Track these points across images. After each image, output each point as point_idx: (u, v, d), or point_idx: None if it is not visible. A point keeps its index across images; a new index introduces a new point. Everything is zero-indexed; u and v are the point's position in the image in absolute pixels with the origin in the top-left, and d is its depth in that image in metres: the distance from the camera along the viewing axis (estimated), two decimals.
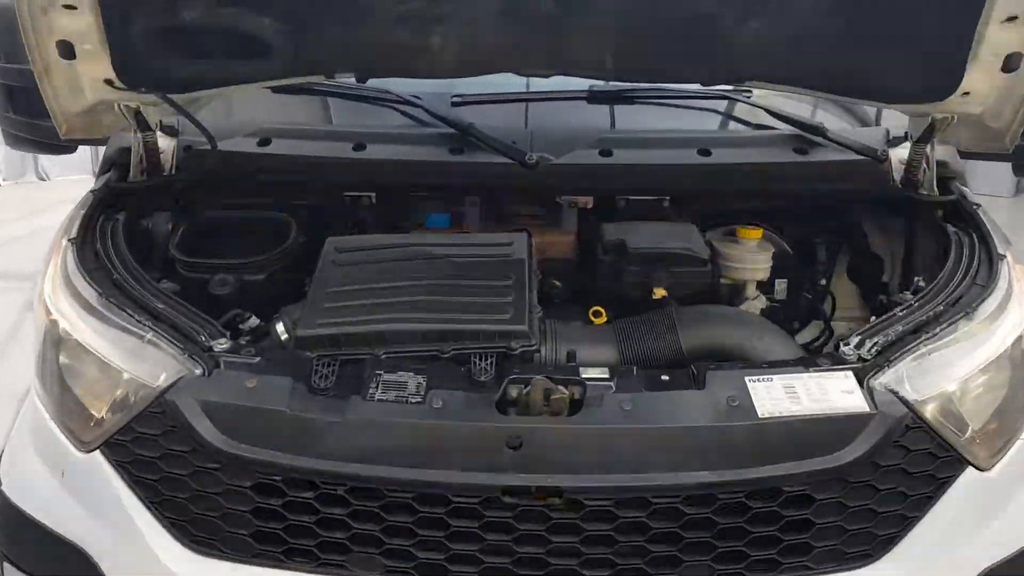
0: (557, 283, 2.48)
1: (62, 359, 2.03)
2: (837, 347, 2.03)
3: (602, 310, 2.31)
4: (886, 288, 2.75)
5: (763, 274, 2.45)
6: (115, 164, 2.63)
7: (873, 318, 2.09)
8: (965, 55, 2.15)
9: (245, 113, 2.95)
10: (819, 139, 2.62)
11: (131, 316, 1.99)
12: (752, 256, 2.43)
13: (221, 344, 1.99)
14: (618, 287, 2.33)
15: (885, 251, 2.76)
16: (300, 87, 2.62)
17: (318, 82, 2.53)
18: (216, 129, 2.70)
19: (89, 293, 2.07)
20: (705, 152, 2.55)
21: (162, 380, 1.91)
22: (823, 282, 2.74)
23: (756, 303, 2.45)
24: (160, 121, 2.67)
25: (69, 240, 2.24)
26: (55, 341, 2.05)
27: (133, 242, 2.48)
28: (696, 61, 2.24)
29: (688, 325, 2.15)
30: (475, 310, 2.05)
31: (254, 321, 2.21)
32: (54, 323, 2.06)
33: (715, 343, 2.12)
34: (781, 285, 2.62)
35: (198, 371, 1.92)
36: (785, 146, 2.61)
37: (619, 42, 2.12)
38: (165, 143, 2.70)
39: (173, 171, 2.64)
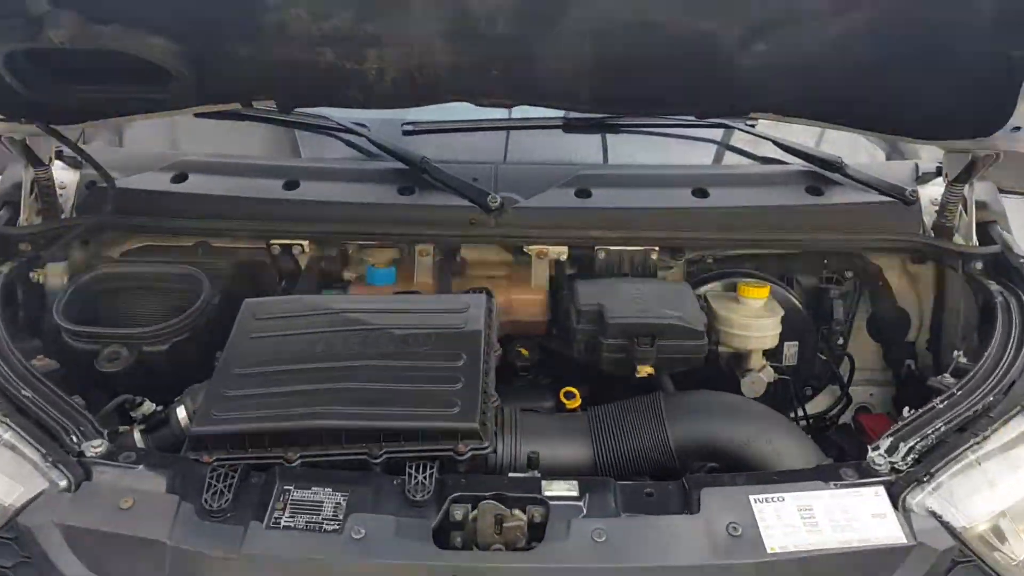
0: (524, 351, 2.09)
1: None
2: (860, 447, 1.66)
3: (575, 391, 1.92)
4: (913, 349, 2.38)
5: (771, 342, 2.07)
6: (7, 203, 2.25)
7: (907, 412, 1.70)
8: (1018, 84, 1.76)
9: (191, 141, 2.56)
10: (836, 176, 2.24)
11: None
12: (757, 322, 2.04)
13: (95, 447, 1.60)
14: (596, 362, 1.94)
15: (912, 304, 2.38)
16: (222, 112, 2.22)
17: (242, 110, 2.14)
18: (129, 162, 2.32)
19: None
20: (701, 193, 2.17)
21: (16, 497, 1.53)
22: (840, 341, 2.35)
23: (762, 376, 2.07)
24: (60, 152, 2.28)
25: None
26: None
27: (16, 301, 2.10)
28: (692, 91, 1.85)
29: (679, 417, 1.76)
30: (416, 401, 1.66)
31: (148, 407, 1.82)
32: None
33: (712, 441, 1.74)
34: (791, 349, 2.23)
35: (63, 484, 1.54)
36: (796, 185, 2.23)
37: (596, 69, 1.74)
38: (68, 177, 2.33)
39: (72, 213, 2.26)
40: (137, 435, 1.82)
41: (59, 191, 2.28)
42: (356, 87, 1.79)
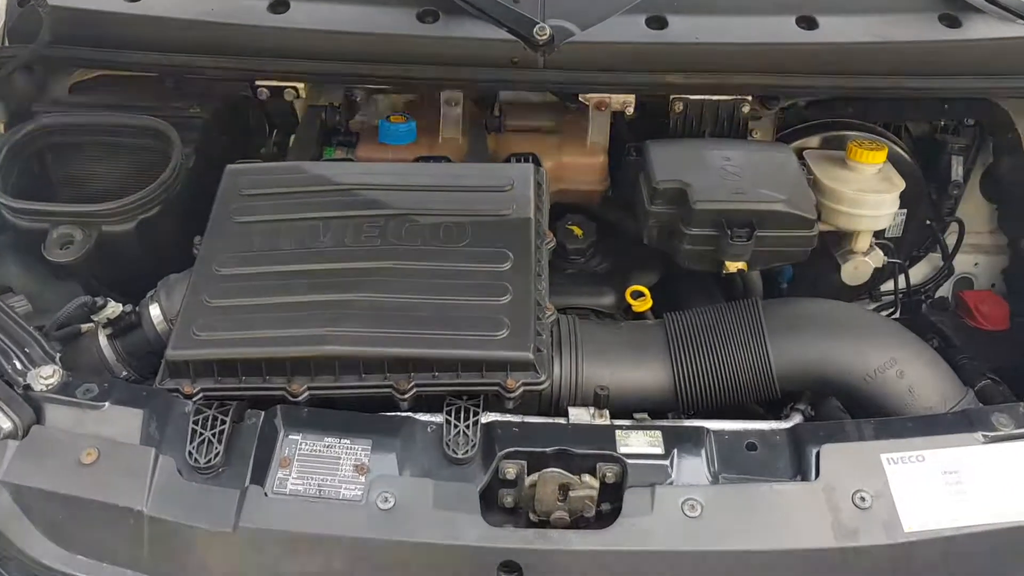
0: (577, 230, 1.71)
1: None
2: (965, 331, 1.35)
3: (645, 291, 1.56)
4: None
5: (885, 222, 1.68)
6: None
7: None
8: None
9: None
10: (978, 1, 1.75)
11: None
12: (873, 197, 1.63)
13: (44, 377, 1.27)
14: (672, 252, 1.56)
15: None
16: None
17: None
18: None
19: None
20: (808, 22, 1.68)
21: None
22: (952, 203, 1.96)
23: (868, 260, 1.70)
24: None
25: None
26: None
27: None
28: None
29: (781, 331, 1.41)
30: (452, 318, 1.31)
31: (113, 308, 1.48)
32: None
33: (823, 366, 1.39)
34: (898, 219, 1.85)
35: (6, 427, 1.22)
36: (928, 11, 1.74)
37: None
38: None
39: (4, 36, 1.79)
40: (103, 341, 1.49)
41: None
42: None
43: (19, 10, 1.79)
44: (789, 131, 1.83)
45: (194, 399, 1.27)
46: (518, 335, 1.29)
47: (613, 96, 1.69)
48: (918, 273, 2.10)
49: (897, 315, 1.98)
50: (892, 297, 2.00)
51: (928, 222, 1.98)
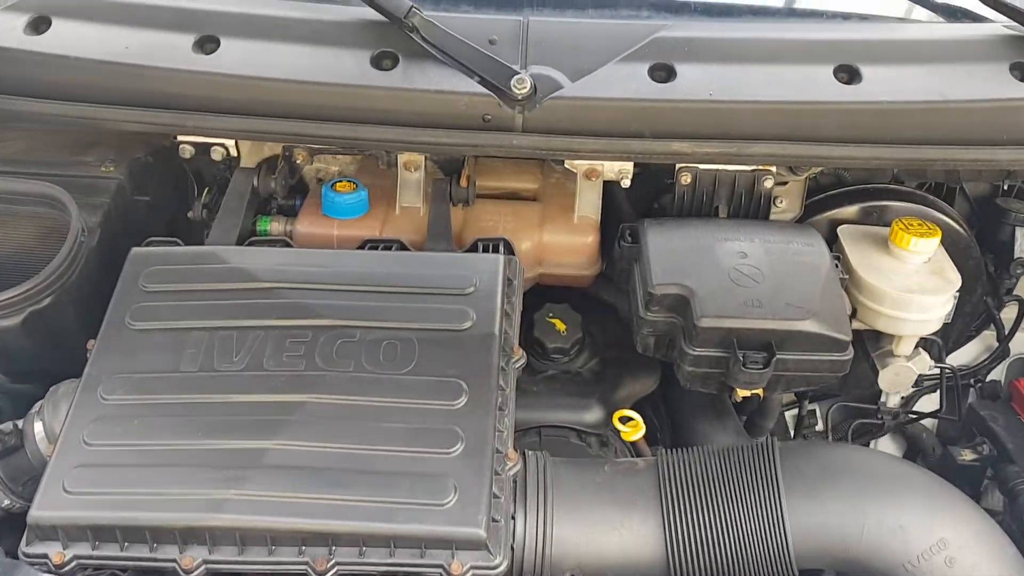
0: (559, 324, 1.43)
1: None
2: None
3: (635, 417, 1.29)
4: None
5: (934, 326, 1.39)
6: None
7: None
8: None
9: None
10: None
11: None
12: (922, 299, 1.34)
13: None
14: (674, 368, 1.29)
15: None
16: None
17: None
18: None
19: None
20: (850, 73, 1.38)
21: None
22: (1013, 281, 1.67)
23: (911, 367, 1.42)
24: None
25: None
26: None
27: None
28: None
29: (805, 492, 1.13)
30: (387, 476, 1.05)
31: None
32: None
33: (857, 550, 1.11)
34: (951, 303, 1.57)
35: None
36: (997, 60, 1.43)
37: None
38: None
39: None
40: None
41: None
42: None
43: None
44: (821, 197, 1.54)
45: (64, 570, 1.03)
46: (468, 503, 1.03)
47: (606, 163, 1.40)
48: (968, 353, 1.82)
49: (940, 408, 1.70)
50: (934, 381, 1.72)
51: (987, 299, 1.69)
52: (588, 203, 1.45)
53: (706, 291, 1.22)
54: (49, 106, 1.42)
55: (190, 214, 1.52)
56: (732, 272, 1.25)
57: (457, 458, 1.06)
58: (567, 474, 1.17)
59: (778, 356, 1.19)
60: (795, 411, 1.77)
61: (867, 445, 1.79)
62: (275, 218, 1.46)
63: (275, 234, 1.44)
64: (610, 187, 1.48)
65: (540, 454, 1.17)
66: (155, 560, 1.04)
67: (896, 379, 1.43)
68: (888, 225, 1.46)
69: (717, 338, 1.20)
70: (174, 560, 1.03)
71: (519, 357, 1.20)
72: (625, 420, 1.29)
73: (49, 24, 1.46)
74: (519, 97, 1.34)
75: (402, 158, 1.44)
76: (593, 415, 1.36)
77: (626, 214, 1.52)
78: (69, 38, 1.44)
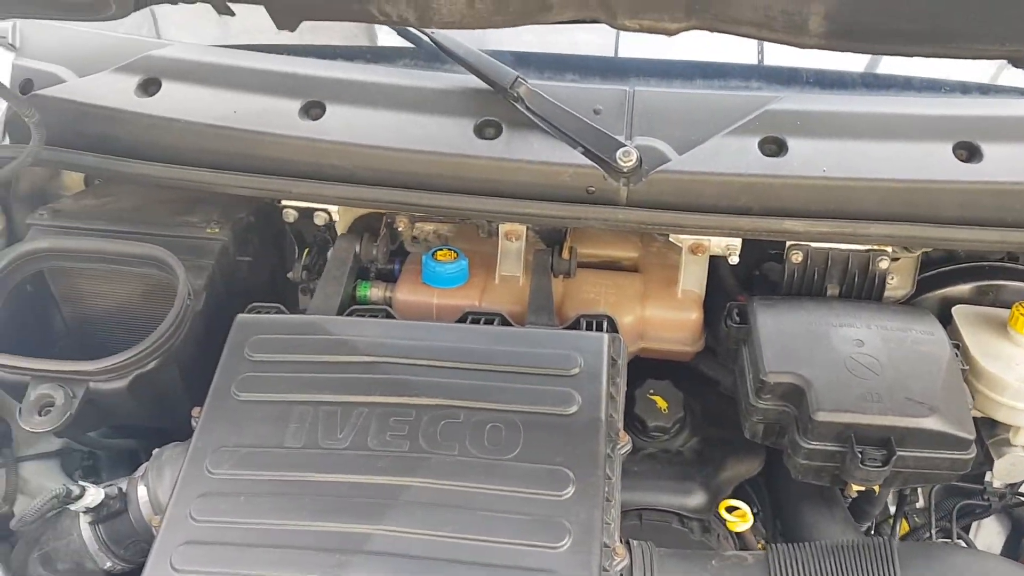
0: (662, 403, 1.40)
1: None
2: None
3: (744, 509, 1.25)
4: None
5: None
6: None
7: None
8: None
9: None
10: None
11: None
12: None
13: None
14: (784, 458, 1.25)
15: None
16: None
17: None
18: (82, 46, 1.60)
19: None
20: (970, 150, 1.34)
21: None
22: None
23: None
24: None
25: None
26: None
27: None
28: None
29: None
30: (491, 569, 1.03)
31: (93, 495, 1.24)
32: None
33: None
34: None
35: None
36: None
37: None
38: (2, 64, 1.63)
39: (3, 132, 1.59)
40: (84, 527, 1.27)
41: None
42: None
43: (21, 98, 1.58)
44: (933, 274, 1.49)
45: None
46: None
47: (713, 238, 1.38)
48: None
49: None
50: None
51: None
52: (693, 277, 1.43)
53: (822, 382, 1.18)
54: (157, 168, 1.45)
55: (290, 275, 1.54)
56: (848, 361, 1.21)
57: (564, 553, 1.04)
58: (674, 569, 1.14)
59: (898, 454, 1.14)
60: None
61: (971, 526, 1.72)
62: (375, 283, 1.47)
63: (375, 300, 1.45)
64: (713, 259, 1.45)
65: (646, 545, 1.15)
66: None
67: (1012, 469, 1.38)
68: (1003, 305, 1.41)
69: (833, 432, 1.16)
70: None
71: (625, 443, 1.18)
72: (731, 510, 1.26)
73: (159, 86, 1.50)
74: (624, 169, 1.33)
75: (503, 228, 1.44)
76: (695, 499, 1.33)
77: (730, 287, 1.49)
78: (178, 101, 1.48)
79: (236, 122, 1.44)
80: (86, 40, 1.62)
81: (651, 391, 1.42)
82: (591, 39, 1.81)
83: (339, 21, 1.15)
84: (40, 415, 1.30)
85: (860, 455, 1.14)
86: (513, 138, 1.38)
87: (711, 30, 1.04)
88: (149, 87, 1.51)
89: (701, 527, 1.32)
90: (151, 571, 1.07)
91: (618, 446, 1.17)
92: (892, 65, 1.72)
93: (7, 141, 1.59)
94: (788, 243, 1.37)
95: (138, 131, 1.47)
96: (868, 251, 1.37)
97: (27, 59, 1.60)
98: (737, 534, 1.27)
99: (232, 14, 1.11)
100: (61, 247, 1.43)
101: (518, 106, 1.37)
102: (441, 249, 1.45)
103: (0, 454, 1.51)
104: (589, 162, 1.34)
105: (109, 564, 1.30)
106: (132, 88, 1.51)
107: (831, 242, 1.36)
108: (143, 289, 1.50)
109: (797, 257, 1.37)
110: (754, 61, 1.76)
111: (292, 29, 1.10)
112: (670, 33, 1.05)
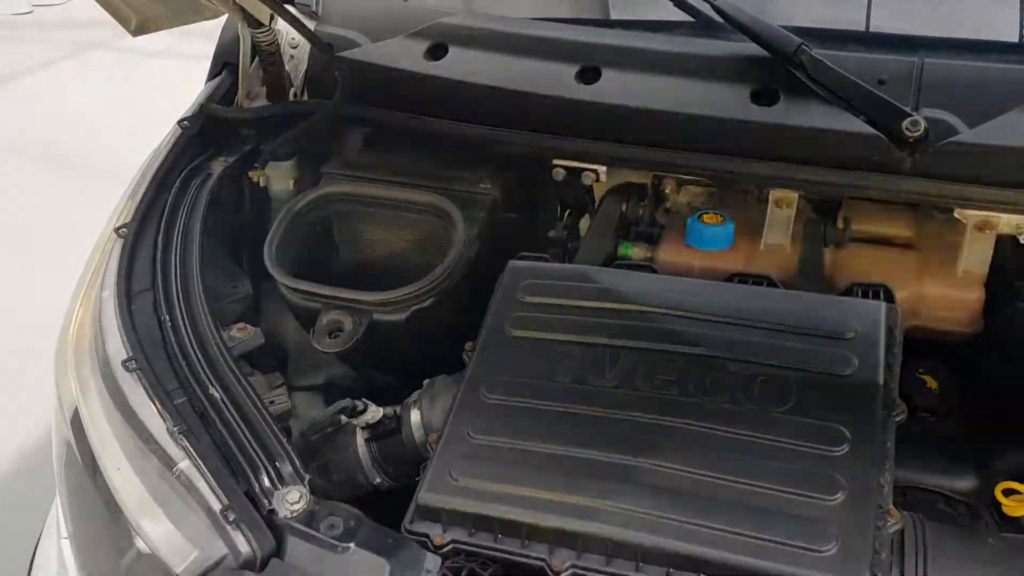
0: (931, 381, 1.36)
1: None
2: None
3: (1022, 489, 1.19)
4: None
5: None
6: (228, 65, 1.80)
7: None
8: None
9: None
10: None
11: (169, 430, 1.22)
12: None
13: (291, 504, 1.17)
14: None
15: None
16: None
17: None
18: (374, 10, 1.76)
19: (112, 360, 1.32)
20: None
21: (186, 566, 1.15)
22: None
23: None
24: None
25: (115, 231, 1.49)
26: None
27: (241, 205, 1.71)
28: None
29: None
30: (759, 512, 1.05)
31: (373, 412, 1.37)
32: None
33: None
34: None
35: (244, 551, 1.14)
36: None
37: None
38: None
39: (303, 88, 1.77)
40: (360, 443, 1.40)
41: (290, 51, 1.80)
42: None
43: (320, 60, 1.76)
44: None
45: (442, 551, 1.13)
46: (850, 555, 1.00)
47: (1003, 215, 1.32)
48: None
49: None
50: None
51: None
52: (976, 257, 1.37)
53: None
54: (442, 125, 1.58)
55: (551, 233, 1.62)
56: None
57: (839, 506, 1.04)
58: (949, 542, 1.10)
59: None
60: None
61: None
62: (636, 244, 1.52)
63: (637, 259, 1.50)
64: (1000, 247, 1.39)
65: (918, 516, 1.12)
66: (527, 556, 1.10)
67: None
68: None
69: None
70: (544, 559, 1.10)
71: (901, 411, 1.15)
72: (1009, 492, 1.20)
73: (446, 51, 1.63)
74: (910, 139, 1.30)
75: (774, 194, 1.45)
76: (965, 482, 1.27)
77: (1010, 270, 1.42)
78: (464, 65, 1.60)
79: (516, 84, 1.54)
80: (380, 9, 1.78)
81: (920, 369, 1.38)
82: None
83: None
84: (330, 338, 1.46)
85: None
86: (791, 105, 1.39)
87: None
88: (437, 52, 1.64)
89: (969, 512, 1.26)
90: (432, 478, 1.16)
91: (894, 413, 1.15)
92: None
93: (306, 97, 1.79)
94: None
95: (426, 92, 1.61)
96: None
97: (328, 25, 1.79)
98: (1013, 519, 1.20)
99: None
100: (356, 192, 1.59)
101: (799, 73, 1.38)
102: (707, 212, 1.47)
103: (285, 378, 1.69)
104: (872, 131, 1.33)
105: (379, 480, 1.42)
106: (421, 53, 1.64)
107: None
108: (416, 237, 1.63)
109: None
110: None
111: None
112: None
